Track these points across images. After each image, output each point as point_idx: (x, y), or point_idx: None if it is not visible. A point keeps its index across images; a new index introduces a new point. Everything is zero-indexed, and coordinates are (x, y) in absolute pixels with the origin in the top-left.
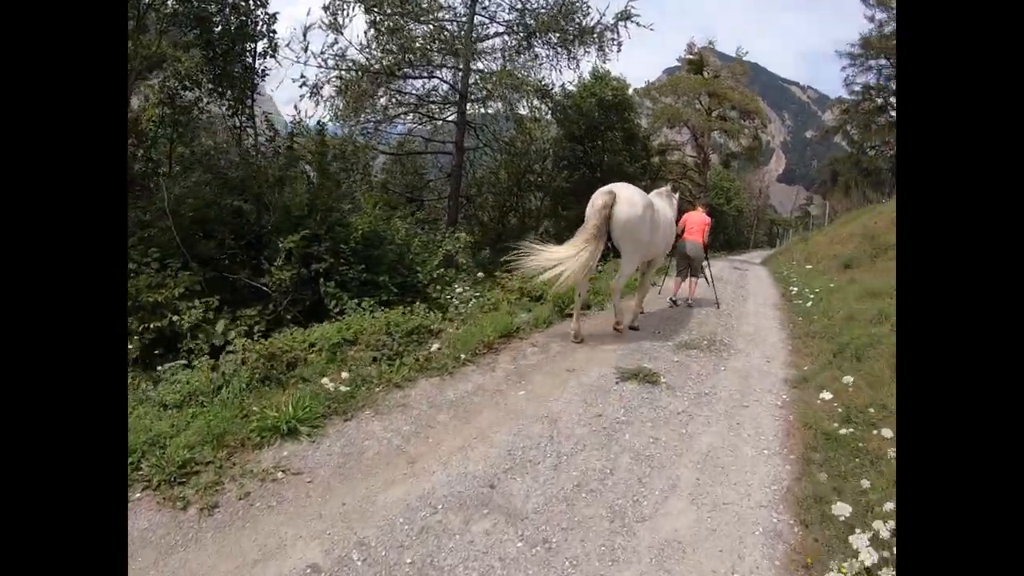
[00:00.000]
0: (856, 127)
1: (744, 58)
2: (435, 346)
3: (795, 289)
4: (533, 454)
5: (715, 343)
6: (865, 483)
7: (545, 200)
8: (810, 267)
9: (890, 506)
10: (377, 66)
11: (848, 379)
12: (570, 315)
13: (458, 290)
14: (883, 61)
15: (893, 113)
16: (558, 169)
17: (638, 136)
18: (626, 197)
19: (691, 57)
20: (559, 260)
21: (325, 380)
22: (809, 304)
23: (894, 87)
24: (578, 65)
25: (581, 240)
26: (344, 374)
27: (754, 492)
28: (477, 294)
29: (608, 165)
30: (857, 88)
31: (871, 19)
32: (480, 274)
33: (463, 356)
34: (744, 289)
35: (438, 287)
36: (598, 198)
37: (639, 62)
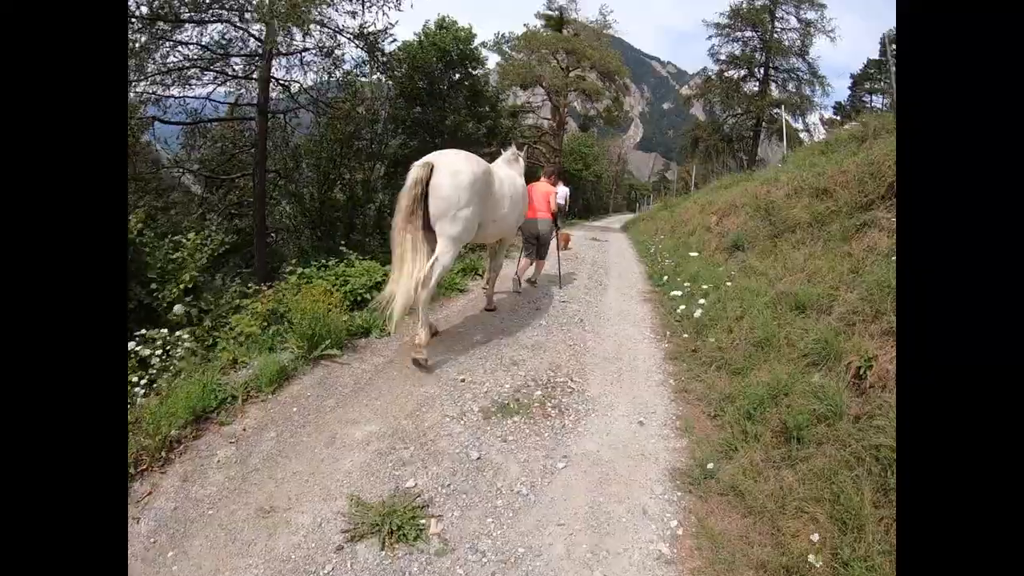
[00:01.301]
0: (719, 95)
1: (608, 17)
2: None
3: (678, 290)
4: None
5: (555, 390)
6: None
7: (377, 170)
8: (695, 254)
9: None
10: (140, 10)
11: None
12: (324, 357)
13: (162, 332)
14: (749, 32)
15: (755, 85)
16: (392, 134)
17: (485, 95)
18: (447, 165)
19: (549, 12)
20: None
21: None
22: (698, 312)
23: (760, 58)
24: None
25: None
26: None
27: None
28: (197, 329)
29: (450, 128)
30: (722, 58)
31: None
32: (183, 308)
33: None
34: (604, 270)
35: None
36: (410, 173)
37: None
